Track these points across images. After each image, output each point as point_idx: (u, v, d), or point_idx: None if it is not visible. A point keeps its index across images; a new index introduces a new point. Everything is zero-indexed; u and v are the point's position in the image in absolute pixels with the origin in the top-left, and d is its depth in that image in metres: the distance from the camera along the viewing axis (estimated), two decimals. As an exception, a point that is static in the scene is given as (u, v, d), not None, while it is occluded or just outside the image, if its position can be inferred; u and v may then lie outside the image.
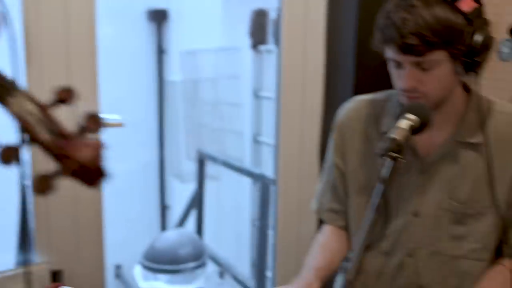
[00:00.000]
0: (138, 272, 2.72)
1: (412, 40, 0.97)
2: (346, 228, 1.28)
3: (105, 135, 0.71)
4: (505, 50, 1.43)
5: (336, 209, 1.29)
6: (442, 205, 1.14)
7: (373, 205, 0.81)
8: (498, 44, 1.45)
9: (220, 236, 3.23)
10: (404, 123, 0.95)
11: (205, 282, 2.76)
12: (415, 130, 0.97)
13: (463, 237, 1.14)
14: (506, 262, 1.14)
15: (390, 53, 1.04)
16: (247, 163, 3.10)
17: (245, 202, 3.10)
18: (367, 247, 1.22)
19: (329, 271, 1.19)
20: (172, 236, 2.75)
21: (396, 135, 0.93)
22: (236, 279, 2.70)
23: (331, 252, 1.23)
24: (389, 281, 1.21)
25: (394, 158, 0.91)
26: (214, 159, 2.93)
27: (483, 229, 1.13)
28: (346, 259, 0.64)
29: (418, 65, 1.02)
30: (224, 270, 2.87)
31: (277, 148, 1.87)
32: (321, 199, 1.31)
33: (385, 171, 0.91)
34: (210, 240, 3.23)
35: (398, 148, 0.92)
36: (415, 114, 0.97)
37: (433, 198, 1.14)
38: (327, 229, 1.30)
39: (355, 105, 1.25)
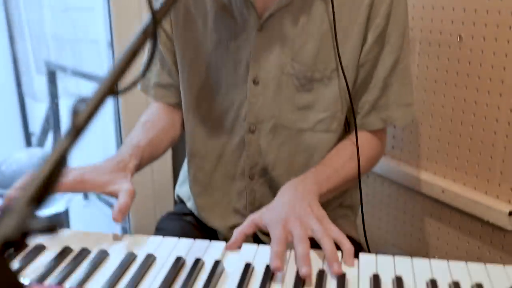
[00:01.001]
0: (-16, 202, 2.40)
1: None
2: (179, 107, 1.08)
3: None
4: None
5: (165, 83, 1.08)
6: (285, 69, 0.96)
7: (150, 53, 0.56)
8: None
9: (84, 156, 2.95)
10: None
11: (67, 204, 2.52)
12: None
13: (309, 107, 0.99)
14: (352, 135, 1.00)
15: None
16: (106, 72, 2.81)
17: (109, 116, 2.83)
18: (201, 124, 1.04)
19: (151, 150, 1.01)
20: (21, 158, 2.44)
21: None
22: (101, 198, 2.49)
23: (156, 131, 1.04)
24: (230, 164, 1.04)
25: None
26: (64, 70, 2.61)
27: (330, 95, 0.98)
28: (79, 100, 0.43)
29: None
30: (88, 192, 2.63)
31: (112, 47, 1.63)
32: (147, 74, 1.10)
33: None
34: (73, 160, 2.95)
35: None
36: None
37: (274, 61, 0.96)
38: (154, 106, 1.11)
39: None
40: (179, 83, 1.05)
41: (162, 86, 1.09)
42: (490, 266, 0.74)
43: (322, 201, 0.87)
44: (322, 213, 0.81)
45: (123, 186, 0.85)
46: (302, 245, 0.74)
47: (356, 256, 0.77)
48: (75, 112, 0.41)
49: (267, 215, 0.82)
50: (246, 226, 0.82)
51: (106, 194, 0.86)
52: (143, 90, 1.12)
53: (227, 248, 0.79)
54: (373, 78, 0.98)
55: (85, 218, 2.64)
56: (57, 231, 0.35)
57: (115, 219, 0.81)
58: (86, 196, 2.64)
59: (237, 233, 0.81)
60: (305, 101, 0.98)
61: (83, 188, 0.85)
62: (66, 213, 2.54)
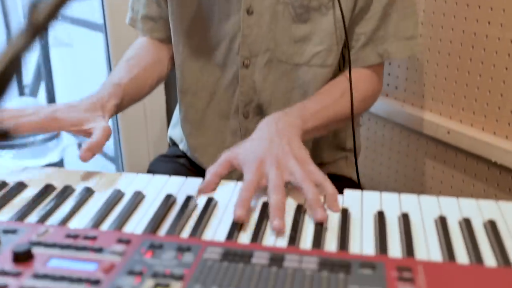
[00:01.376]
0: (-25, 151, 2.35)
1: None
2: (167, 42, 1.01)
3: None
4: None
5: (154, 15, 1.01)
6: None
7: None
8: None
9: (75, 97, 2.88)
10: None
11: (61, 155, 2.47)
12: None
13: (306, 39, 0.92)
14: (348, 71, 0.93)
15: None
16: (99, 18, 2.70)
17: (100, 53, 2.74)
18: (192, 59, 0.97)
19: (135, 89, 0.94)
20: (13, 107, 2.37)
21: None
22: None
23: (140, 68, 0.97)
24: (223, 102, 0.98)
25: None
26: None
27: (327, 26, 0.91)
28: None
29: None
30: (83, 140, 2.58)
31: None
32: (135, 5, 1.03)
33: None
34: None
35: None
36: None
37: None
38: (141, 41, 1.04)
39: None
40: (168, 14, 0.98)
41: (150, 19, 1.01)
42: (502, 203, 0.69)
43: (309, 138, 0.81)
44: (303, 153, 0.73)
45: (99, 124, 0.77)
46: (275, 195, 0.66)
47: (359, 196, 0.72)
48: (32, 8, 0.34)
49: (242, 154, 0.74)
50: (219, 167, 0.74)
51: (80, 133, 0.79)
52: (130, 24, 1.05)
53: (200, 191, 0.72)
54: (371, 6, 0.91)
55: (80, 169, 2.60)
56: (10, 138, 0.29)
57: (82, 158, 0.73)
58: (79, 146, 2.59)
59: (210, 174, 0.73)
60: (302, 32, 0.92)
61: (56, 126, 0.78)
62: (60, 163, 2.49)
